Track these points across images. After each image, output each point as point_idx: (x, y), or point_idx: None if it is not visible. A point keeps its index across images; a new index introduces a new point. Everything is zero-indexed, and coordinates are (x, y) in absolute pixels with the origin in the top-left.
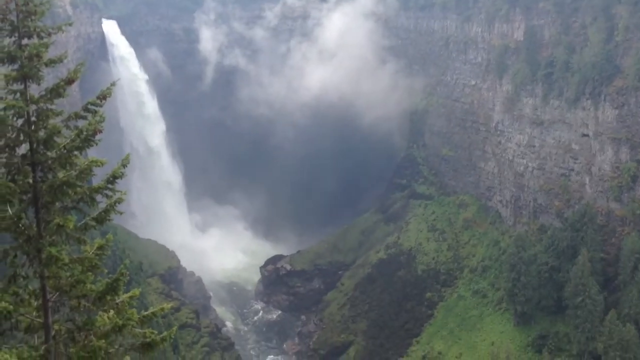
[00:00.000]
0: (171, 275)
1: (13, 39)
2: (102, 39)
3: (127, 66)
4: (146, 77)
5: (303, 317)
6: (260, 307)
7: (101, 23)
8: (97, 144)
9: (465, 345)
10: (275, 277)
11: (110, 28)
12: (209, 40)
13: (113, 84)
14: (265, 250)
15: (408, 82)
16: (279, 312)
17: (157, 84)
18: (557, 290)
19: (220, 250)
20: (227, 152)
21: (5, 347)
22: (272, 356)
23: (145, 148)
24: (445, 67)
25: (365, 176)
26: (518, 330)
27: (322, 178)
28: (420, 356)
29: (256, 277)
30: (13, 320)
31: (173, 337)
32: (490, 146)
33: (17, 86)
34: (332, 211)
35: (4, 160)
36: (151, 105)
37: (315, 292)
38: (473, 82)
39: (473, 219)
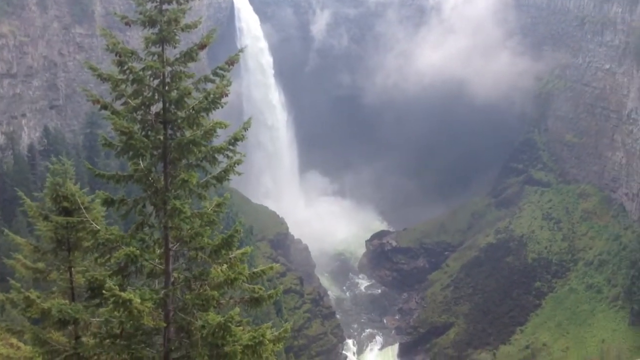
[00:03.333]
0: (279, 241)
1: (154, 4)
2: (231, 8)
3: (253, 37)
4: (268, 48)
5: (405, 294)
6: (363, 280)
7: None
8: (222, 107)
9: (573, 339)
10: (380, 252)
11: None
12: (321, 17)
13: (241, 51)
14: (372, 224)
15: (534, 63)
16: (381, 286)
17: (278, 53)
18: None
19: (328, 221)
20: (341, 126)
21: (130, 288)
22: (370, 330)
23: (263, 117)
24: (578, 49)
25: (477, 158)
26: (633, 330)
27: (433, 158)
28: (523, 345)
29: (361, 250)
30: (138, 265)
31: (278, 296)
32: (620, 135)
33: (155, 49)
34: (441, 191)
35: (140, 117)
36: (271, 75)
37: (419, 271)
38: (607, 66)
39: (593, 211)
